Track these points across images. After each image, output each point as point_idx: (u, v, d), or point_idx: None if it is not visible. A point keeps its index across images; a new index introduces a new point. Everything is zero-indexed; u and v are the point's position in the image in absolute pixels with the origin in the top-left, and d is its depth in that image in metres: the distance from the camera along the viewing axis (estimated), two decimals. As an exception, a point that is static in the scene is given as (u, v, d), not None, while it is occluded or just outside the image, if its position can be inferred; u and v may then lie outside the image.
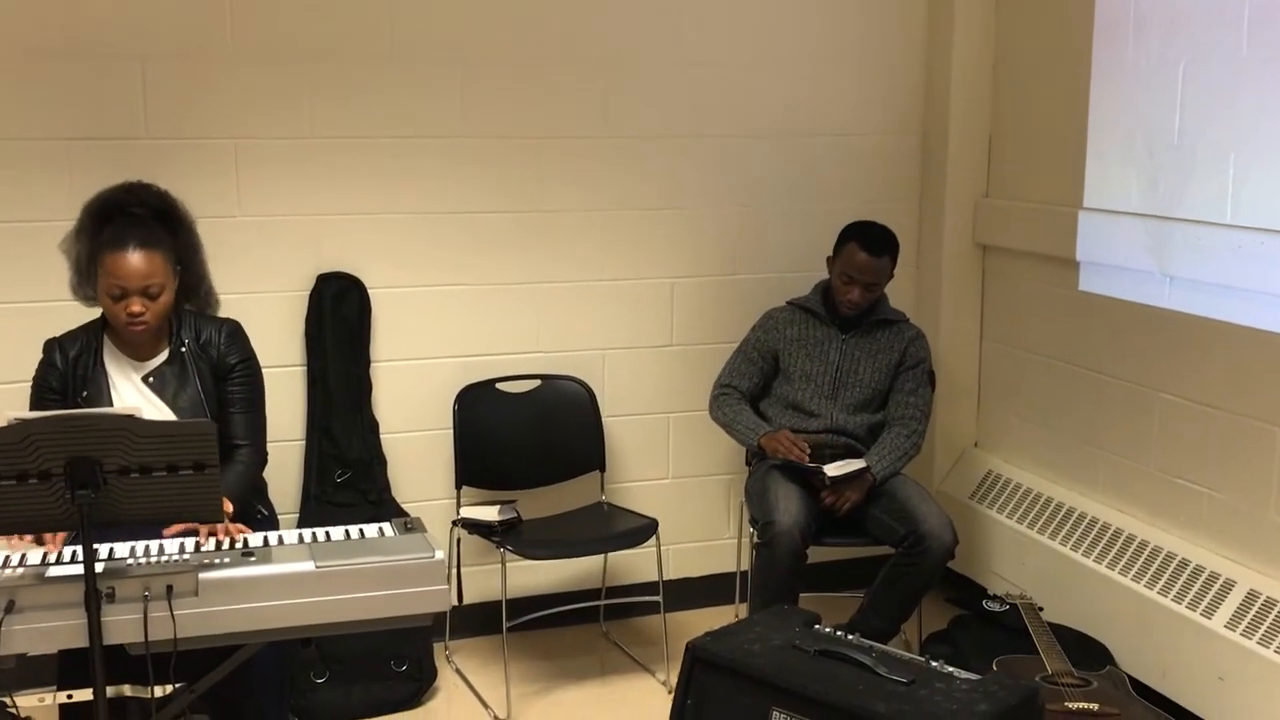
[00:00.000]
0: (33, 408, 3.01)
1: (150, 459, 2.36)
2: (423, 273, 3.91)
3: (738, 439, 3.85)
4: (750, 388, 3.90)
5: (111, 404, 3.00)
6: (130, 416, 2.33)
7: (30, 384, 3.06)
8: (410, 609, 2.58)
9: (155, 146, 3.59)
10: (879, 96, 4.29)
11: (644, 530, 3.77)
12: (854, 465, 3.66)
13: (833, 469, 3.61)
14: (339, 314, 3.82)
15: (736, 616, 4.10)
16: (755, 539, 3.63)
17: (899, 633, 3.72)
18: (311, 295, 3.82)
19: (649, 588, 4.01)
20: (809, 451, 3.66)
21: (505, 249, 3.98)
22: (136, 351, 3.07)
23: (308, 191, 3.76)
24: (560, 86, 3.95)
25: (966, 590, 4.12)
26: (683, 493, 4.28)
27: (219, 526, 2.77)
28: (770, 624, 2.89)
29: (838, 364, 3.83)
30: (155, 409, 3.04)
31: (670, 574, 4.18)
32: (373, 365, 3.90)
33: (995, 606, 3.74)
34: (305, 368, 3.85)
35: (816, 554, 3.63)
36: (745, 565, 4.04)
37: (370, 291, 3.86)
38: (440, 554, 2.60)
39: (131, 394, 3.05)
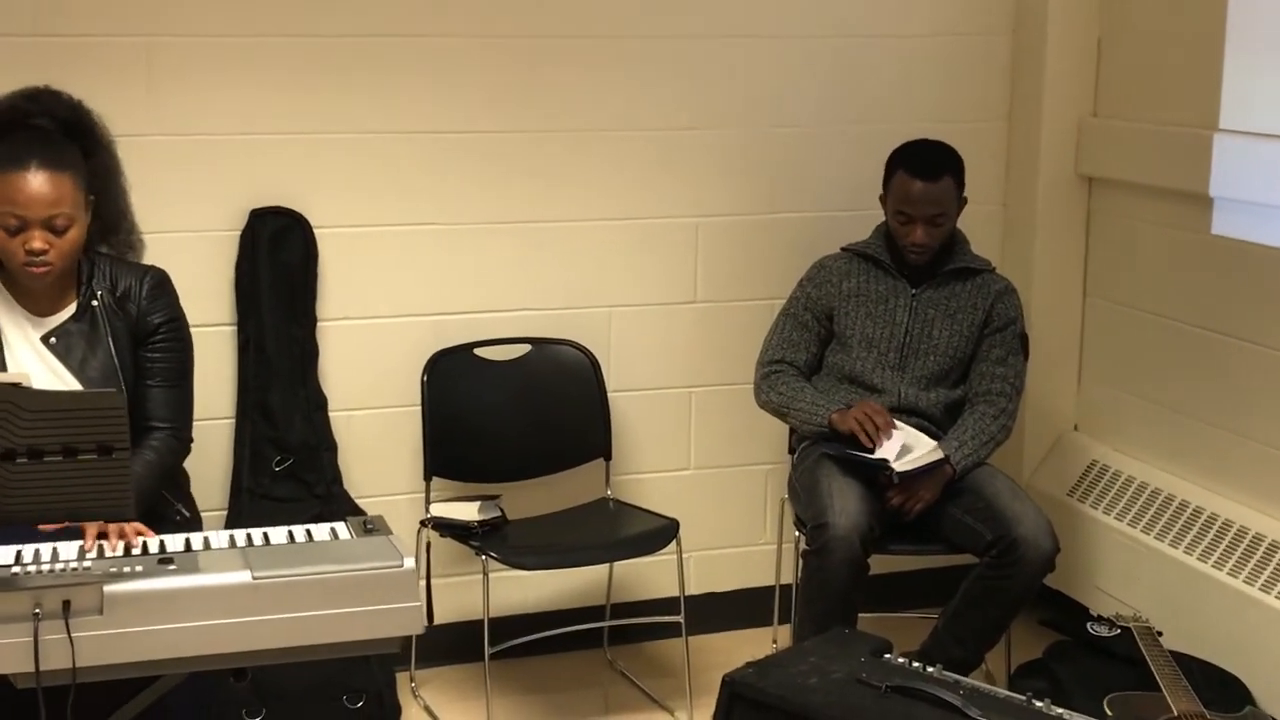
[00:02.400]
0: None
1: (42, 440, 2.35)
2: (383, 208, 3.87)
3: (800, 424, 3.80)
4: (808, 359, 3.88)
5: (4, 368, 2.95)
6: (16, 386, 2.29)
7: None
8: (372, 631, 2.55)
9: (42, 45, 3.54)
10: (954, -16, 4.27)
11: (661, 533, 3.75)
12: (928, 456, 3.60)
13: (902, 462, 3.56)
14: (277, 260, 3.78)
15: (775, 642, 4.09)
16: (803, 545, 3.59)
17: (981, 663, 3.70)
18: (243, 236, 3.78)
19: (666, 605, 3.99)
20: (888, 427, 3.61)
21: (487, 179, 3.94)
22: (36, 303, 3.02)
23: (239, 103, 3.72)
24: (557, -27, 3.92)
25: (1065, 610, 4.11)
26: (709, 487, 4.26)
27: (112, 526, 2.69)
28: (828, 652, 2.87)
29: (906, 326, 3.79)
30: (56, 377, 2.98)
31: (693, 588, 4.17)
32: (320, 325, 3.87)
33: (1103, 630, 3.71)
34: (235, 328, 3.81)
35: (879, 563, 3.61)
36: (787, 578, 4.03)
37: (316, 231, 3.82)
38: (410, 562, 2.58)
39: (29, 357, 2.99)
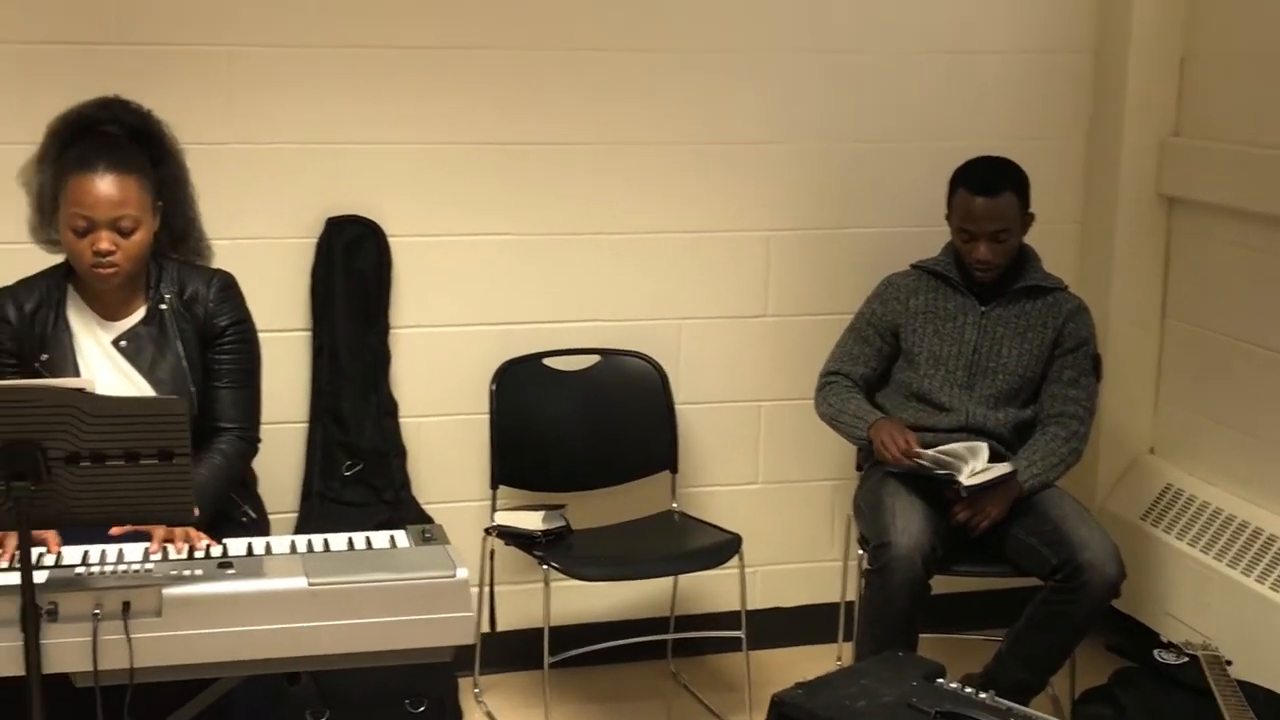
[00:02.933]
0: None
1: (105, 444, 2.34)
2: (456, 218, 3.88)
3: (846, 434, 3.78)
4: (866, 374, 3.84)
5: (78, 371, 3.00)
6: (80, 391, 2.31)
7: None
8: (424, 640, 2.55)
9: (128, 54, 3.59)
10: (1038, 3, 4.20)
11: (724, 548, 3.73)
12: (996, 470, 3.56)
13: (970, 477, 3.51)
14: (352, 268, 3.81)
15: (839, 659, 4.06)
16: (865, 563, 3.56)
17: (1046, 687, 3.64)
18: (319, 244, 3.81)
19: (730, 619, 3.96)
20: (915, 446, 3.55)
21: (559, 190, 3.94)
22: (107, 307, 3.06)
23: (318, 114, 3.75)
24: (633, -12, 3.91)
25: (1134, 636, 4.03)
26: (776, 502, 4.24)
27: (176, 531, 2.73)
28: (880, 675, 2.84)
29: (975, 344, 3.74)
30: (126, 380, 3.03)
31: (757, 603, 4.16)
32: (392, 333, 3.89)
33: (1170, 658, 3.62)
34: (310, 334, 3.84)
35: (942, 584, 3.57)
36: (853, 595, 3.99)
37: (390, 240, 3.85)
38: (464, 572, 2.57)
39: (100, 360, 3.04)
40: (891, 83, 4.12)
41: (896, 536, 3.44)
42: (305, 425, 3.85)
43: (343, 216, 3.80)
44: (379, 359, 3.86)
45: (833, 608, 4.19)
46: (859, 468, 3.93)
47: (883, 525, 3.50)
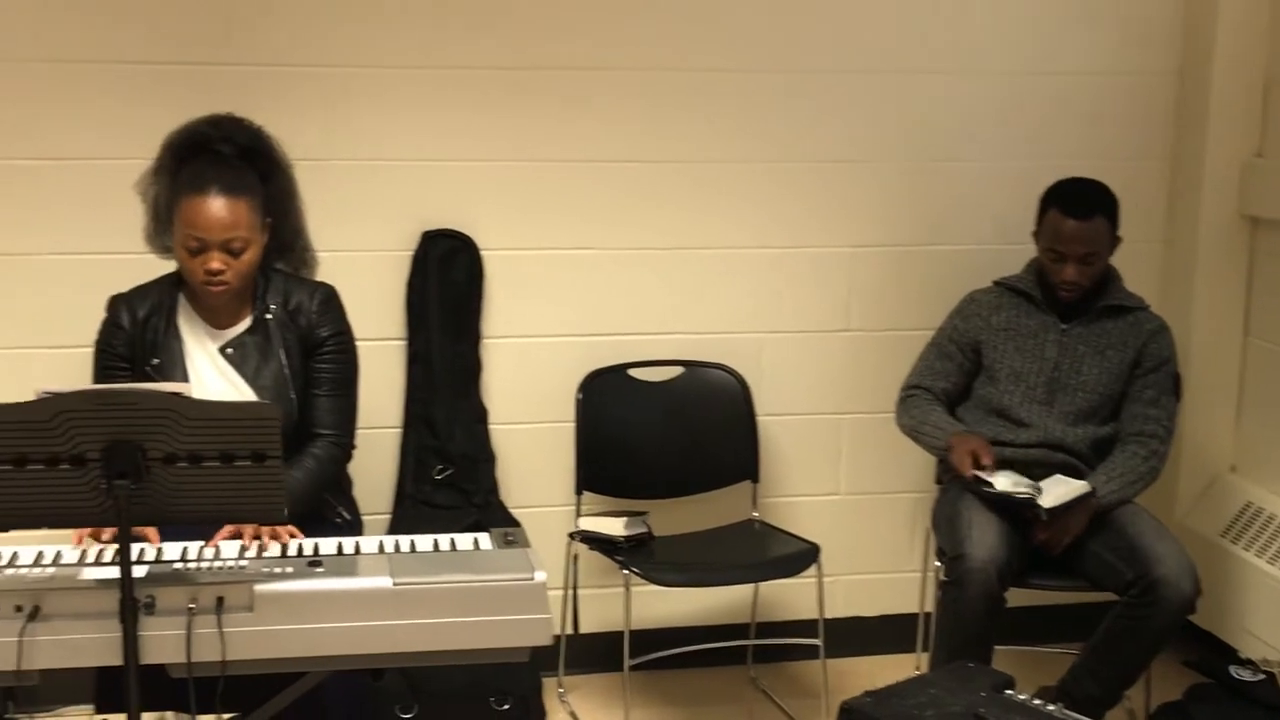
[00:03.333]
0: (97, 376, 3.12)
1: (201, 445, 2.39)
2: (546, 232, 3.92)
3: (927, 445, 3.77)
4: (947, 389, 3.82)
5: (186, 377, 3.08)
6: (177, 395, 2.37)
7: (93, 348, 3.15)
8: (502, 640, 2.57)
9: (243, 73, 3.68)
10: (1123, 25, 4.15)
11: (802, 557, 3.73)
12: (1075, 489, 3.53)
13: (1050, 498, 3.48)
14: (446, 279, 3.86)
15: (917, 669, 4.04)
16: (941, 575, 3.55)
17: (1121, 701, 3.60)
18: (415, 256, 3.87)
19: (810, 627, 3.94)
20: (991, 460, 3.53)
21: (647, 206, 3.97)
22: (215, 317, 3.14)
23: (417, 132, 3.81)
24: (723, 9, 3.91)
25: (1210, 652, 3.98)
26: (857, 513, 4.23)
27: (265, 530, 2.80)
28: (949, 685, 2.81)
29: (1055, 361, 3.71)
30: (231, 386, 3.11)
31: (838, 612, 4.15)
32: (483, 342, 3.93)
33: (1247, 675, 3.60)
34: (405, 343, 3.90)
35: (1019, 597, 3.54)
36: (931, 606, 3.95)
37: (483, 253, 3.90)
38: (542, 575, 2.58)
39: (207, 367, 3.13)
40: (976, 102, 4.10)
41: (972, 549, 3.42)
42: (399, 430, 3.91)
43: (438, 230, 3.86)
44: (470, 367, 3.91)
45: (912, 618, 4.17)
46: (939, 481, 3.92)
47: (959, 538, 3.48)
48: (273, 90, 3.67)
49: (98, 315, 3.16)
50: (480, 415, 3.93)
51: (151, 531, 2.74)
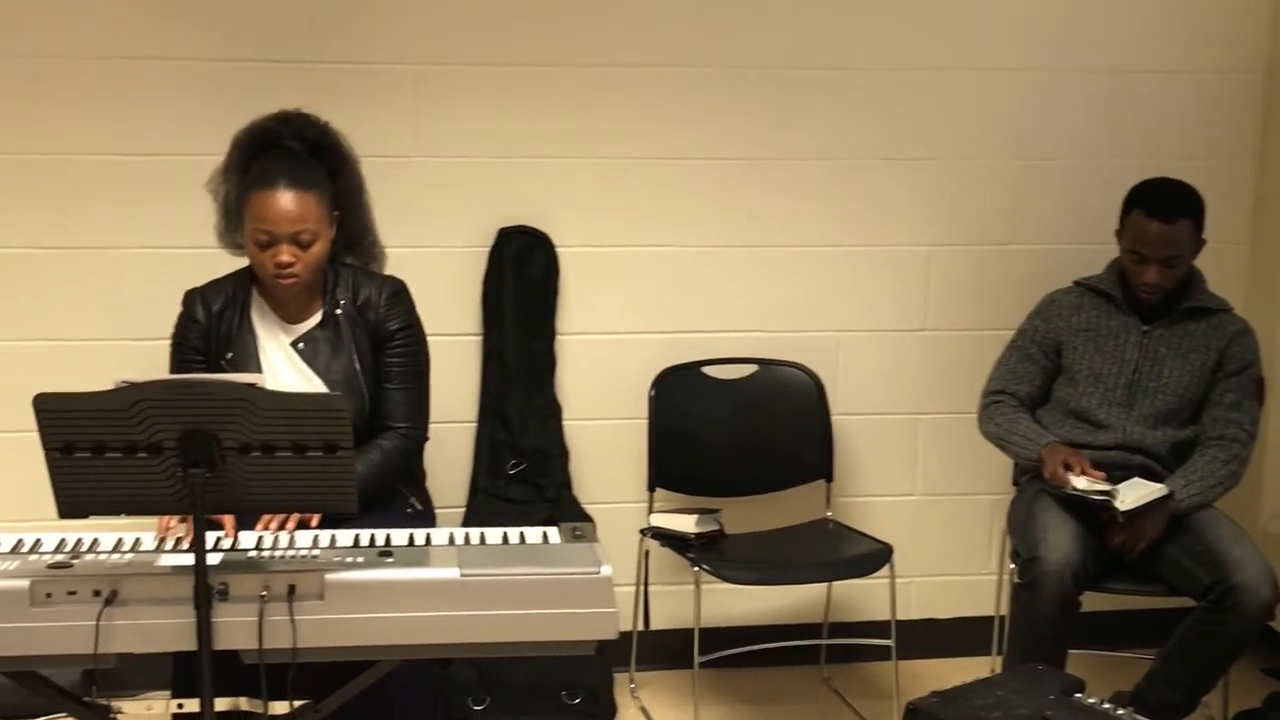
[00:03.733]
0: (173, 369, 3.17)
1: (274, 436, 2.42)
2: (621, 230, 3.94)
3: (1015, 454, 3.73)
4: (1031, 392, 3.78)
5: (259, 370, 3.12)
6: (251, 386, 2.40)
7: (169, 341, 3.21)
8: (568, 633, 2.57)
9: (323, 72, 3.73)
10: (1206, 22, 4.10)
11: (873, 557, 3.71)
12: (1153, 492, 3.48)
13: (1128, 500, 3.43)
14: (521, 276, 3.88)
15: (992, 672, 3.95)
16: (1015, 578, 3.51)
17: (1198, 708, 3.54)
18: (491, 253, 3.89)
19: (884, 627, 3.92)
20: (1084, 474, 3.48)
21: (723, 204, 3.97)
22: (287, 311, 3.18)
23: (494, 129, 3.84)
24: (801, 5, 3.90)
25: (1295, 660, 3.91)
26: (932, 514, 4.21)
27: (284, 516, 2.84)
28: (1017, 687, 2.78)
29: (1136, 363, 3.66)
30: (304, 379, 3.15)
31: (912, 613, 4.15)
32: (558, 338, 3.96)
33: (1329, 684, 3.51)
34: (481, 339, 3.93)
35: (1095, 601, 3.50)
36: (1006, 609, 3.90)
37: (559, 250, 3.91)
38: (608, 569, 2.58)
39: (280, 361, 3.17)
40: (1056, 100, 4.06)
41: (1047, 552, 3.39)
42: (474, 425, 3.93)
43: (513, 227, 3.88)
44: (545, 363, 3.93)
45: (987, 621, 4.11)
46: (1015, 482, 3.88)
47: (1034, 540, 3.45)
48: (354, 88, 3.71)
49: (172, 307, 3.21)
50: (554, 411, 3.95)
51: (227, 519, 2.77)
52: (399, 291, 3.23)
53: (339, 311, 3.17)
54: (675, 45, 3.87)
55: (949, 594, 4.25)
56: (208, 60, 3.69)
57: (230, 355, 3.14)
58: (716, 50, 3.89)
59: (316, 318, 3.18)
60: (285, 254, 3.02)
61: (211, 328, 3.15)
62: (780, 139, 3.96)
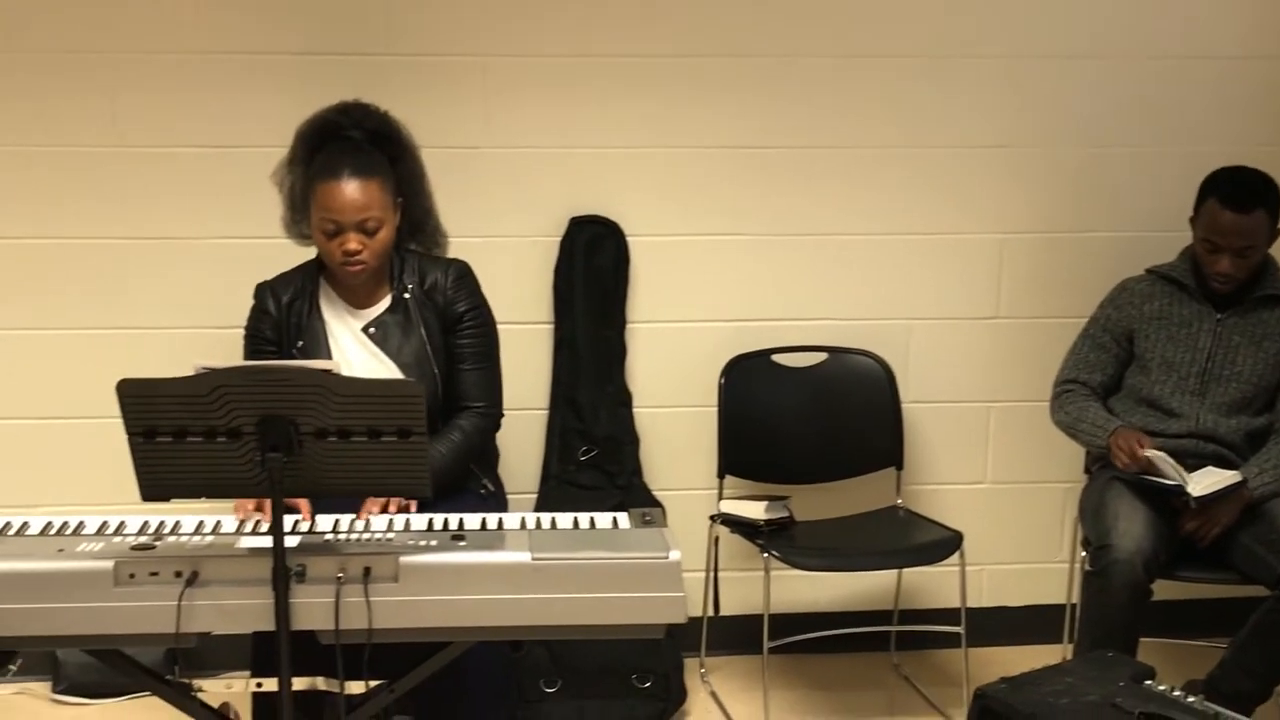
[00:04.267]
0: (247, 358, 3.23)
1: (349, 421, 2.46)
2: (691, 218, 3.95)
3: (1086, 442, 3.72)
4: (1103, 381, 3.76)
5: (330, 356, 3.19)
6: (327, 372, 2.44)
7: (243, 332, 3.27)
8: (637, 617, 2.59)
9: (395, 65, 3.77)
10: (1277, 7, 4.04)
11: (944, 544, 3.70)
12: (1226, 479, 3.45)
13: (1199, 486, 3.40)
14: (592, 265, 3.91)
15: (1063, 660, 3.94)
16: (1086, 565, 3.50)
17: (1272, 696, 3.51)
18: (562, 242, 3.92)
19: (954, 614, 3.91)
20: (1152, 457, 3.45)
21: (792, 193, 3.97)
22: (356, 297, 3.24)
23: (565, 120, 3.86)
24: (870, -7, 3.91)
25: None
26: (1003, 502, 4.19)
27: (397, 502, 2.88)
28: (1087, 674, 2.78)
29: (1209, 351, 3.63)
30: (377, 363, 3.20)
31: (983, 601, 4.14)
32: (628, 327, 3.98)
33: (1406, 674, 3.45)
34: (552, 327, 3.96)
35: (1168, 589, 3.48)
36: (1078, 597, 3.88)
37: (629, 239, 3.94)
38: (676, 554, 2.60)
39: (351, 345, 3.22)
40: (1127, 87, 4.02)
41: (1118, 540, 3.37)
42: (545, 412, 3.97)
43: (585, 216, 3.91)
44: (615, 351, 3.96)
45: (1059, 609, 4.10)
46: (1087, 470, 3.86)
47: (1105, 528, 3.44)
48: (427, 80, 3.76)
49: (244, 297, 3.27)
50: (624, 398, 3.98)
51: (303, 503, 2.83)
52: (465, 274, 3.28)
53: (407, 295, 3.22)
54: (747, 34, 3.87)
55: (1020, 582, 4.23)
56: (282, 54, 3.74)
57: (301, 344, 3.20)
58: (788, 39, 3.89)
59: (385, 302, 3.23)
60: (352, 242, 3.07)
61: (282, 319, 3.21)
62: (852, 127, 3.95)
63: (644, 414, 4.00)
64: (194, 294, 3.80)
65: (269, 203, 3.35)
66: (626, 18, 3.83)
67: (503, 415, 3.35)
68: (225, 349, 3.35)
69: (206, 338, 3.73)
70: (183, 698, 2.76)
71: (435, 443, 3.11)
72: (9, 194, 3.75)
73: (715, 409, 3.93)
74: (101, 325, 3.81)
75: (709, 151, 3.91)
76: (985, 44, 3.96)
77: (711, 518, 3.85)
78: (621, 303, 3.95)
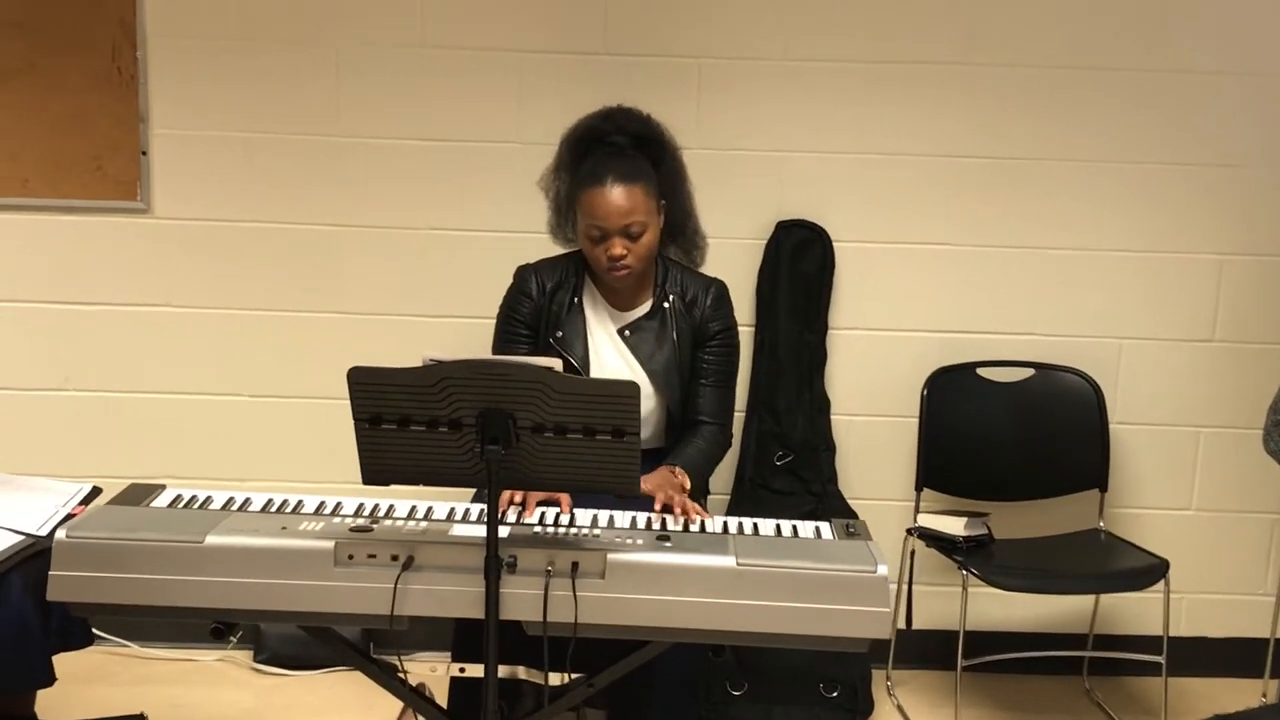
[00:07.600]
0: (498, 339, 3.31)
1: (566, 419, 2.50)
2: (899, 226, 3.92)
3: None
4: None
5: (587, 352, 3.26)
6: (549, 369, 2.48)
7: (496, 314, 3.33)
8: (841, 629, 2.57)
9: (611, 64, 3.81)
10: None
11: (1150, 571, 3.62)
12: None
13: None
14: (796, 269, 3.90)
15: (1264, 696, 3.88)
16: (1298, 602, 3.38)
17: None
18: (768, 245, 3.92)
19: (1150, 643, 3.84)
20: None
21: (1003, 204, 3.91)
22: (618, 299, 3.29)
23: (774, 122, 3.86)
24: (1095, 6, 3.82)
25: None
26: (1209, 530, 4.08)
27: (681, 501, 2.89)
28: (1305, 716, 2.66)
29: None
30: (627, 366, 3.26)
31: (1181, 630, 4.03)
32: (830, 333, 3.96)
33: None
34: (754, 329, 3.96)
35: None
36: (1283, 633, 3.79)
37: (835, 245, 3.92)
38: (885, 569, 2.58)
39: (605, 344, 3.28)
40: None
41: (1333, 577, 3.26)
42: (743, 415, 3.96)
43: (792, 220, 3.90)
44: (816, 357, 3.94)
45: (1261, 643, 3.98)
46: (1300, 503, 3.73)
47: (1320, 564, 3.32)
48: (642, 80, 3.78)
49: (465, 288, 3.33)
50: (823, 405, 3.96)
51: (563, 498, 2.89)
52: (723, 295, 3.33)
53: (667, 305, 3.27)
54: (961, 42, 3.83)
55: (1221, 613, 4.11)
56: (505, 51, 3.81)
57: (560, 334, 3.25)
58: (1003, 48, 3.83)
59: (645, 307, 3.28)
60: (618, 247, 3.12)
61: (543, 305, 3.27)
62: (1067, 140, 3.87)
63: (841, 421, 3.98)
64: (412, 283, 3.89)
65: (488, 196, 3.41)
66: (841, 21, 3.81)
67: (732, 435, 3.39)
68: (440, 337, 3.41)
69: (420, 326, 3.84)
70: (387, 676, 2.83)
71: (685, 447, 3.20)
72: (252, 177, 3.88)
73: (915, 420, 3.90)
74: (325, 309, 3.92)
75: (920, 160, 3.88)
76: (1211, 60, 3.85)
77: (909, 531, 3.81)
78: (824, 308, 3.93)
